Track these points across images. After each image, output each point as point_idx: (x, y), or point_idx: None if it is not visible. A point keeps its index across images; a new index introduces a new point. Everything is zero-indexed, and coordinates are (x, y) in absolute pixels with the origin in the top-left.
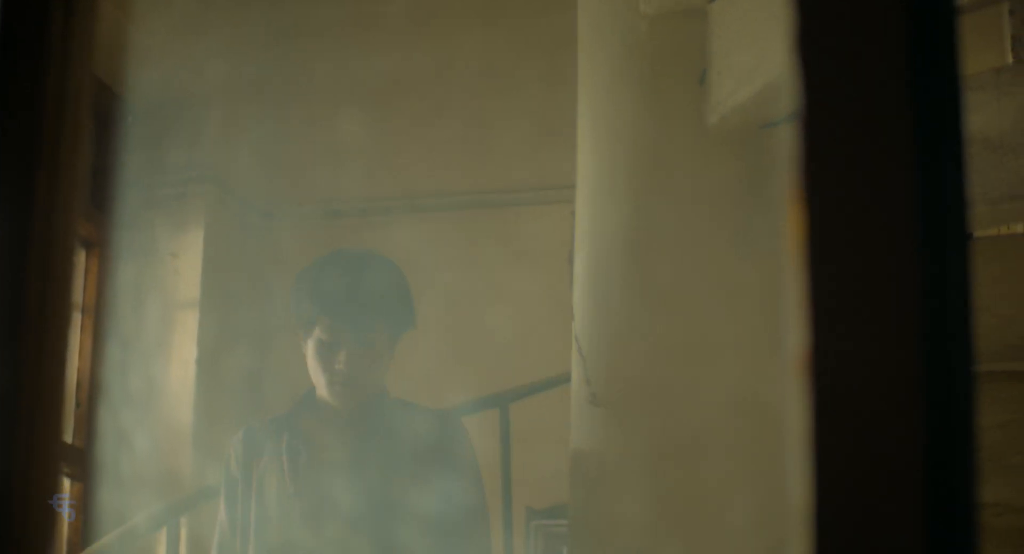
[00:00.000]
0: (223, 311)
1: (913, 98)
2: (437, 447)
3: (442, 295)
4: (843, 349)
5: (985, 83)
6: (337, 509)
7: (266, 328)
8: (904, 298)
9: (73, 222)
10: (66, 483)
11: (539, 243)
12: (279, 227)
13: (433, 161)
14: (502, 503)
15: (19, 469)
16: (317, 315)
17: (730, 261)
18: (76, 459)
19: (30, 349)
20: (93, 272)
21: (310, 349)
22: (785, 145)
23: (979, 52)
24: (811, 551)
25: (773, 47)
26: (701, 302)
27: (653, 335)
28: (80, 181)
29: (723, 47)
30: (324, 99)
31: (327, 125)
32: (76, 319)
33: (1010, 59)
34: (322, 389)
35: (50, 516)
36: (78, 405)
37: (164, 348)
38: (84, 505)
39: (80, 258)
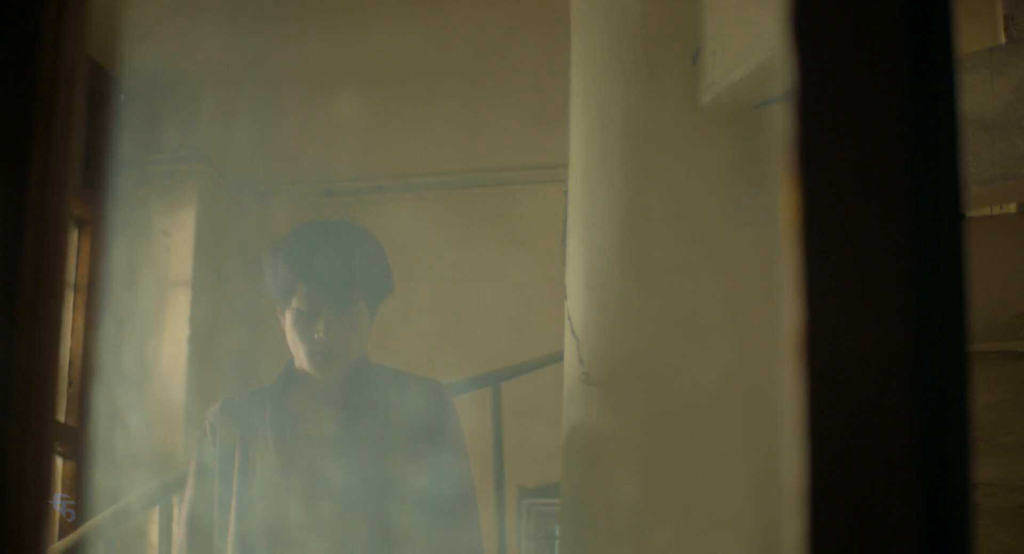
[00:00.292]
0: (216, 290)
1: (907, 77)
2: (422, 413)
3: (436, 274)
4: (837, 328)
5: (978, 63)
6: (326, 483)
7: (259, 307)
8: (898, 277)
9: (67, 201)
10: (58, 462)
11: (533, 222)
12: (272, 206)
13: (427, 140)
14: (494, 482)
15: (14, 449)
16: (294, 285)
17: (723, 240)
18: (68, 438)
19: (24, 328)
20: (85, 251)
21: (288, 320)
22: (778, 124)
23: (972, 32)
24: (805, 528)
25: (766, 27)
26: (694, 281)
27: (646, 314)
28: (74, 161)
29: (716, 26)
30: (318, 78)
31: (321, 104)
32: (68, 298)
33: (1003, 39)
34: (302, 360)
35: (44, 495)
36: (70, 384)
37: (156, 327)
38: (76, 484)
39: (72, 237)
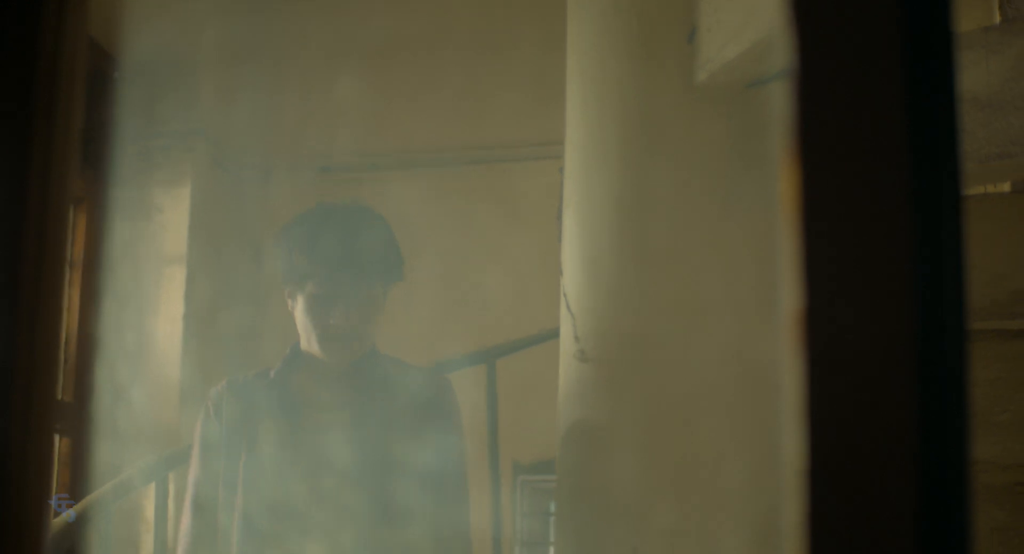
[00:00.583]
0: (211, 267)
1: (906, 55)
2: (429, 405)
3: (434, 252)
4: (836, 308)
5: (974, 42)
6: (338, 467)
7: (256, 284)
8: (897, 259)
9: (68, 180)
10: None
11: (532, 200)
12: (271, 184)
13: (427, 118)
14: (489, 459)
15: (16, 427)
16: (310, 269)
17: (719, 217)
18: (65, 414)
19: (26, 305)
20: (81, 228)
21: (301, 304)
22: (774, 102)
23: (968, 10)
24: (804, 509)
25: (762, 4)
26: (690, 259)
27: (642, 292)
28: (74, 141)
29: (712, 4)
30: (318, 58)
31: (321, 84)
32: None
33: (998, 18)
34: (313, 344)
35: (47, 470)
36: (66, 361)
37: (152, 304)
38: (73, 460)
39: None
